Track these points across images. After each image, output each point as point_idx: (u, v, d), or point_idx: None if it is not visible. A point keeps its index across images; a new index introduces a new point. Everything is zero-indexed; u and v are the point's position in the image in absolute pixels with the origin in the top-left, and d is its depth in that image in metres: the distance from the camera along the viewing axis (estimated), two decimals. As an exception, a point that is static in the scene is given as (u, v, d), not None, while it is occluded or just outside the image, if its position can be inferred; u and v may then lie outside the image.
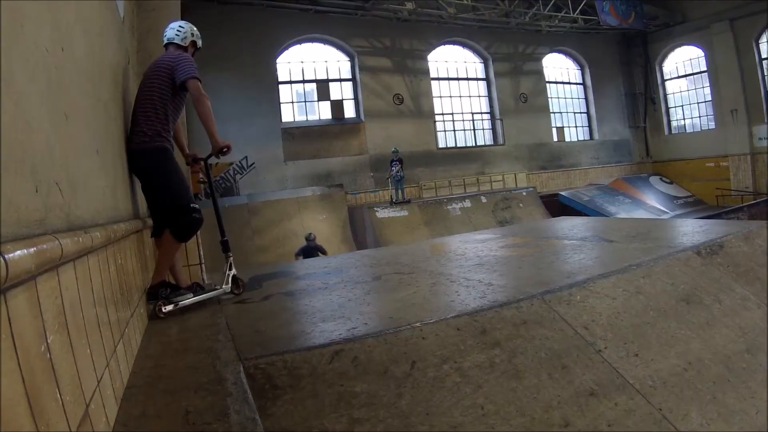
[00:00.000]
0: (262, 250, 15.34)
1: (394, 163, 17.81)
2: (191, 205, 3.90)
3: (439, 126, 23.06)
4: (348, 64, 21.40)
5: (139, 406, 2.16)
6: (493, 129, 24.21)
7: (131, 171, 3.89)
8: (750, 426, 2.58)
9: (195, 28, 4.41)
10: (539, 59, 25.50)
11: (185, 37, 4.30)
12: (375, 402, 2.40)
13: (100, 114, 2.73)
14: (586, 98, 27.37)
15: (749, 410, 2.66)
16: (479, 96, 24.24)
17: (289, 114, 20.29)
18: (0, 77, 1.20)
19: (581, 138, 27.07)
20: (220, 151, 4.17)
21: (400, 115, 21.73)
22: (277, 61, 19.95)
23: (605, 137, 27.10)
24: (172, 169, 3.95)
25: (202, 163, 4.67)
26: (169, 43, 4.30)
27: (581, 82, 27.42)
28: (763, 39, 23.00)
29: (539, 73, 25.52)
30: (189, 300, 4.01)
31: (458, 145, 23.35)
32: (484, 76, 24.45)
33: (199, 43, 4.45)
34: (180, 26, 4.34)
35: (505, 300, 3.29)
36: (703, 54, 25.44)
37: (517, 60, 24.73)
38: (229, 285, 4.42)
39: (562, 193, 21.68)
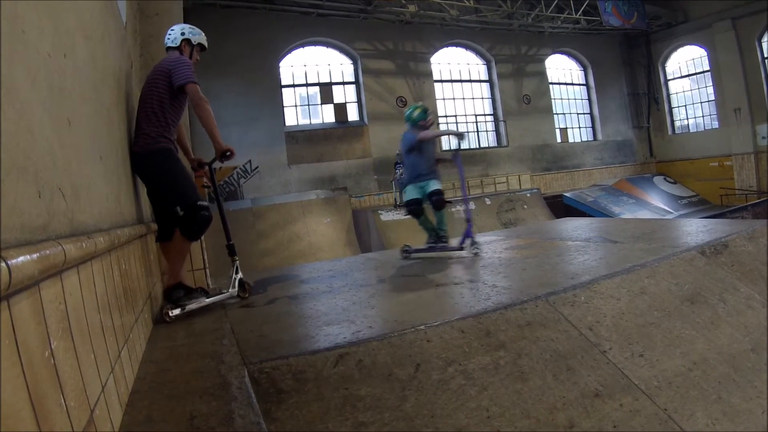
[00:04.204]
0: (266, 253, 15.35)
1: (398, 165, 17.78)
2: (199, 203, 3.91)
3: (442, 128, 23.01)
4: (351, 67, 21.40)
5: (144, 411, 2.16)
6: (497, 131, 24.15)
7: (137, 174, 3.91)
8: (756, 425, 2.57)
9: (187, 26, 4.39)
10: (542, 60, 25.44)
11: (175, 38, 4.30)
12: (380, 405, 2.40)
13: (103, 119, 2.74)
14: (589, 99, 27.29)
15: (755, 410, 2.65)
16: (482, 98, 24.18)
17: (292, 117, 20.27)
18: (1, 84, 1.21)
19: (585, 139, 27.00)
20: (223, 154, 4.17)
21: (403, 118, 21.70)
22: (280, 64, 19.94)
23: (608, 138, 27.02)
24: (179, 169, 3.97)
25: (207, 167, 4.69)
26: (167, 48, 4.33)
27: (584, 82, 27.35)
28: (766, 38, 22.92)
29: (542, 74, 25.46)
30: (197, 304, 4.02)
31: (462, 147, 23.28)
32: (487, 78, 24.41)
33: (195, 39, 4.38)
34: (170, 30, 4.36)
35: (509, 302, 3.29)
36: (705, 53, 25.36)
37: (520, 61, 24.69)
38: (236, 288, 4.45)
39: (566, 194, 21.62)
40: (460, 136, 6.23)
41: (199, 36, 4.41)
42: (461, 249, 5.88)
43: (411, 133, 6.46)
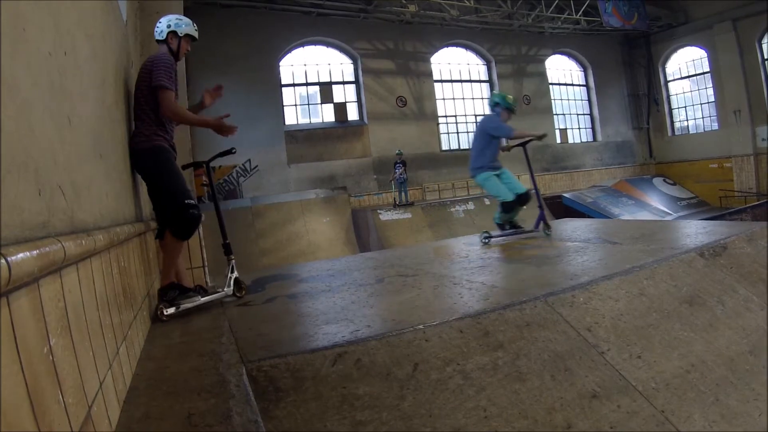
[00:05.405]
0: (265, 252, 15.35)
1: (398, 165, 17.82)
2: (187, 202, 3.88)
3: (443, 128, 23.06)
4: (351, 67, 21.43)
5: (142, 408, 2.16)
6: (496, 131, 24.17)
7: (136, 172, 3.92)
8: (753, 428, 2.57)
9: (174, 17, 4.24)
10: (542, 61, 25.49)
11: (161, 32, 4.19)
12: (378, 404, 2.40)
13: (103, 117, 2.74)
14: (589, 100, 27.35)
15: (752, 412, 2.66)
16: (482, 98, 24.21)
17: (292, 117, 20.32)
18: (1, 81, 1.21)
19: (584, 139, 27.05)
20: (223, 128, 4.23)
21: (403, 118, 21.74)
22: (280, 63, 19.98)
23: (608, 139, 27.06)
24: (169, 167, 3.94)
25: (204, 166, 4.68)
26: (157, 41, 4.28)
27: (584, 83, 27.40)
28: (766, 39, 22.95)
29: (542, 74, 25.51)
30: (192, 303, 4.01)
31: (461, 147, 23.31)
32: (487, 78, 24.45)
33: (182, 30, 4.21)
34: (158, 22, 4.24)
35: (508, 302, 3.29)
36: (706, 55, 25.41)
37: (520, 62, 24.74)
38: (231, 288, 4.44)
39: (566, 194, 21.63)
40: (540, 138, 6.84)
41: (186, 27, 4.23)
42: (534, 231, 6.79)
43: (499, 120, 6.86)
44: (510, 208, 6.79)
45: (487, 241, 6.76)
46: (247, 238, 15.18)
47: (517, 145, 7.15)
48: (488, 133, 6.82)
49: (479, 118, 23.48)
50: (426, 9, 19.84)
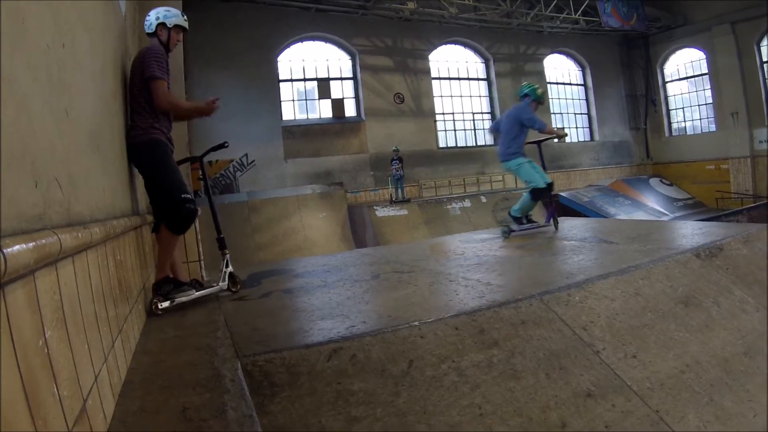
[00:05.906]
0: (261, 247, 15.33)
1: (395, 162, 17.81)
2: (183, 196, 3.86)
3: (440, 125, 23.04)
4: (349, 63, 21.39)
5: (137, 402, 2.16)
6: (494, 129, 24.18)
7: (133, 165, 3.90)
8: (747, 429, 2.58)
9: (163, 9, 4.17)
10: (540, 60, 25.47)
11: (151, 24, 4.15)
12: (373, 400, 2.40)
13: (101, 110, 2.73)
14: (586, 99, 27.33)
15: (747, 413, 2.67)
16: (480, 96, 24.21)
17: (289, 112, 20.27)
18: (1, 75, 1.20)
19: (582, 139, 27.05)
20: (209, 108, 4.25)
21: (400, 114, 21.72)
22: (278, 59, 19.92)
23: (605, 138, 27.07)
24: (166, 161, 3.92)
25: (199, 160, 4.67)
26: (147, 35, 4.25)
27: (582, 83, 27.38)
28: (764, 42, 22.97)
29: (540, 73, 25.46)
30: (187, 297, 4.00)
31: (459, 145, 23.33)
32: (485, 77, 24.43)
33: (171, 22, 4.14)
34: (147, 15, 4.19)
35: (503, 300, 3.29)
36: (704, 56, 25.41)
37: (519, 60, 24.71)
38: (226, 282, 4.43)
39: (562, 193, 21.59)
40: (561, 137, 7.63)
41: (174, 18, 4.17)
42: (547, 225, 7.21)
43: (530, 111, 7.07)
44: (539, 195, 6.94)
45: (507, 235, 6.89)
46: (243, 232, 15.16)
47: (533, 142, 7.48)
48: (521, 122, 6.95)
49: (477, 116, 23.71)
50: (425, 6, 19.82)
